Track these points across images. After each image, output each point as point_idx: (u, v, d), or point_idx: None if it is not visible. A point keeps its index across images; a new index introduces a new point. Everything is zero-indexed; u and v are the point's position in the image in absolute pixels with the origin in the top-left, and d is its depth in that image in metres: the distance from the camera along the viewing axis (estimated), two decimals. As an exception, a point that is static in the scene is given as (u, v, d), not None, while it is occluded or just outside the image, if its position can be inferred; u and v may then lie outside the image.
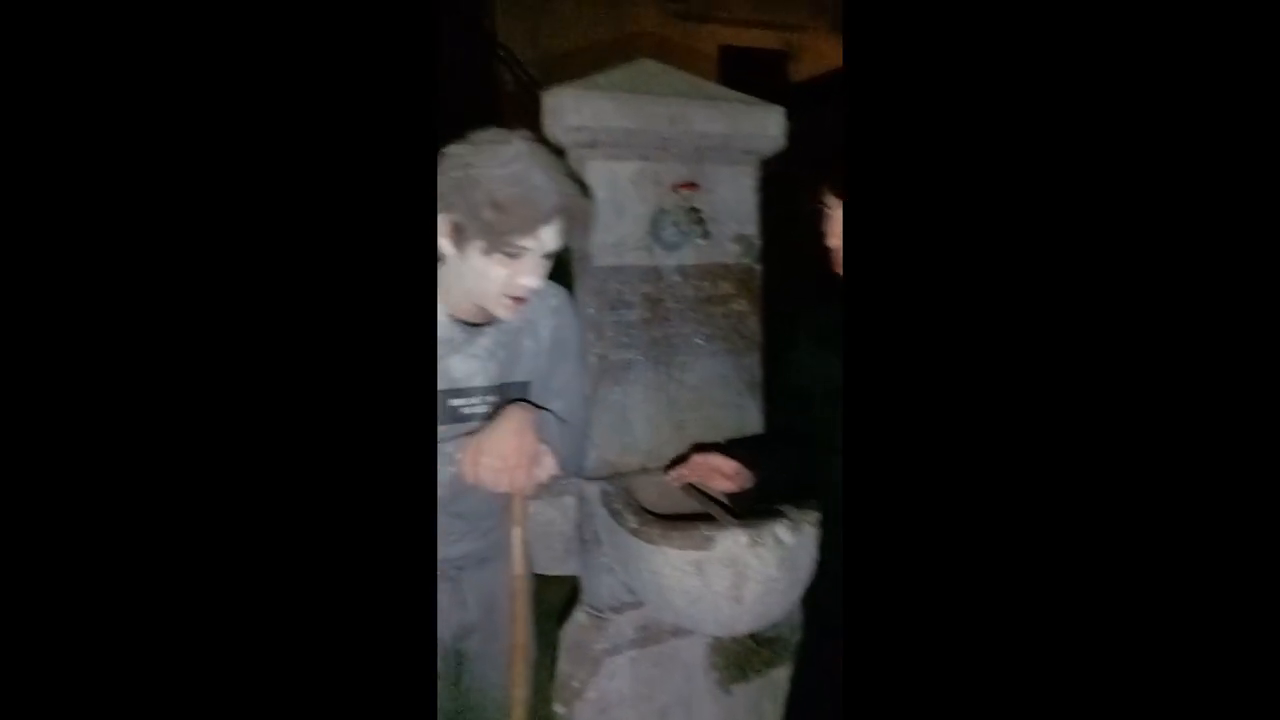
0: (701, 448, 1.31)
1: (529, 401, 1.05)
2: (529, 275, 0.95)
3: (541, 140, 0.98)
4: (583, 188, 0.98)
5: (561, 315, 1.11)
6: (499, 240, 0.91)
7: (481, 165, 0.89)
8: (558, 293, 1.10)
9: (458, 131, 0.95)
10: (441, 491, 0.96)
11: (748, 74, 4.90)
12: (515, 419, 0.95)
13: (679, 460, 1.30)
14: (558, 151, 1.04)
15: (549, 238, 0.94)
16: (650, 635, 1.44)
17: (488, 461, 0.92)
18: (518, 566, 1.02)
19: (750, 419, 1.56)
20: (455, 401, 1.01)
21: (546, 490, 1.41)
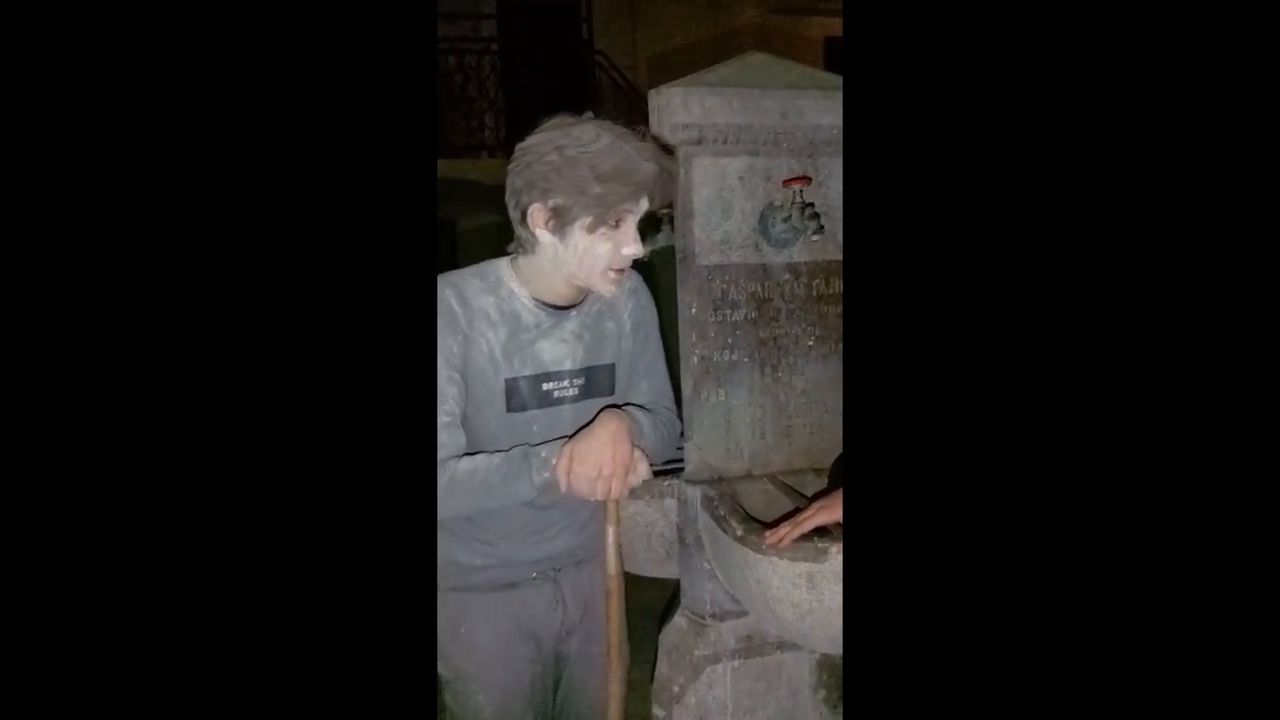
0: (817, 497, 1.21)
1: (617, 406, 1.04)
2: (632, 244, 0.95)
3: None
4: (663, 147, 0.97)
5: (639, 296, 1.10)
6: (607, 212, 0.92)
7: (572, 145, 0.90)
8: (633, 275, 1.09)
9: None
10: (534, 491, 0.96)
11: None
12: (610, 427, 0.94)
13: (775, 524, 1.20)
14: (661, 144, 1.03)
15: (644, 203, 0.95)
16: (754, 646, 1.40)
17: (582, 470, 0.92)
18: (612, 566, 1.01)
19: (861, 425, 1.47)
20: (547, 385, 1.01)
21: (646, 491, 1.40)
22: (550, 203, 0.92)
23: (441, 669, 1.07)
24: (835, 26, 6.64)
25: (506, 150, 6.09)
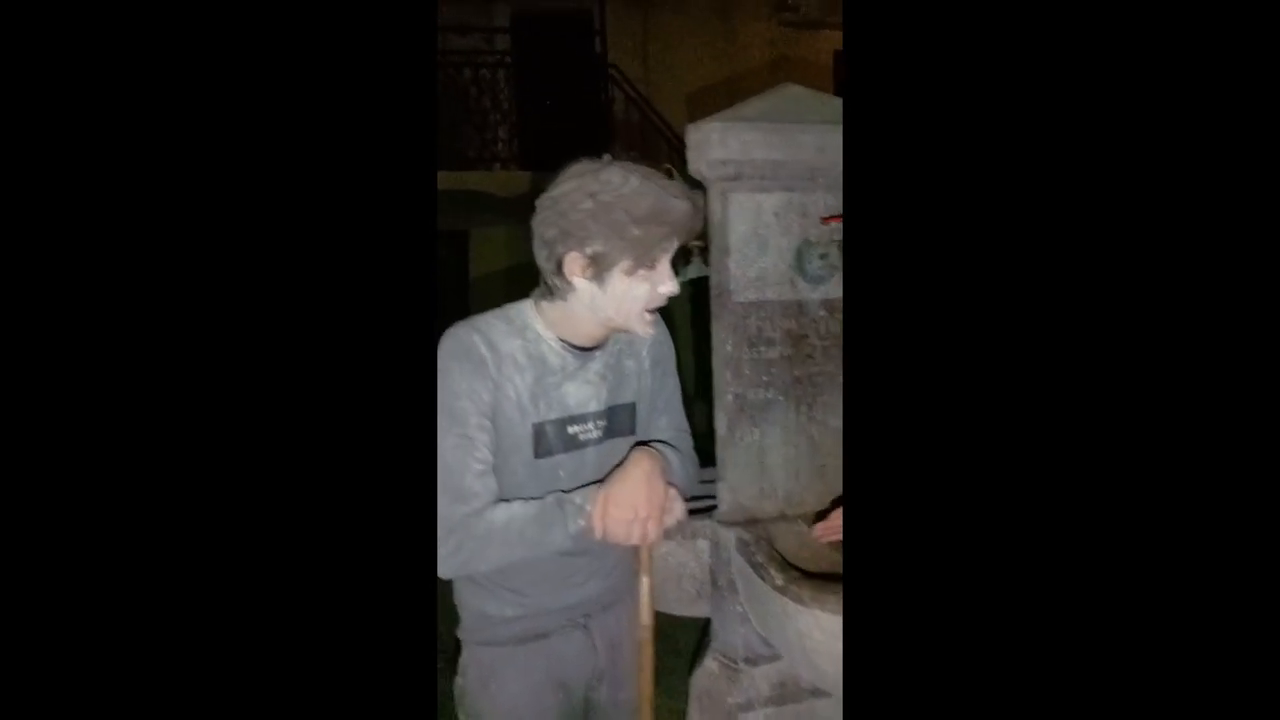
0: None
1: (644, 442, 1.02)
2: (668, 282, 0.95)
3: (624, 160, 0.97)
4: (691, 182, 0.97)
5: (658, 331, 1.08)
6: (646, 254, 0.91)
7: (605, 191, 0.89)
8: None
9: (571, 152, 0.96)
10: (570, 540, 0.93)
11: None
12: (642, 467, 0.92)
13: (822, 515, 1.22)
14: (696, 184, 1.03)
15: (677, 240, 0.94)
16: (788, 693, 1.37)
17: (618, 515, 0.90)
18: (645, 617, 0.99)
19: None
20: (573, 429, 0.99)
21: (677, 531, 1.37)
22: (588, 250, 0.91)
23: None
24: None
25: (519, 163, 6.06)
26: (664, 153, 5.19)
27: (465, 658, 1.05)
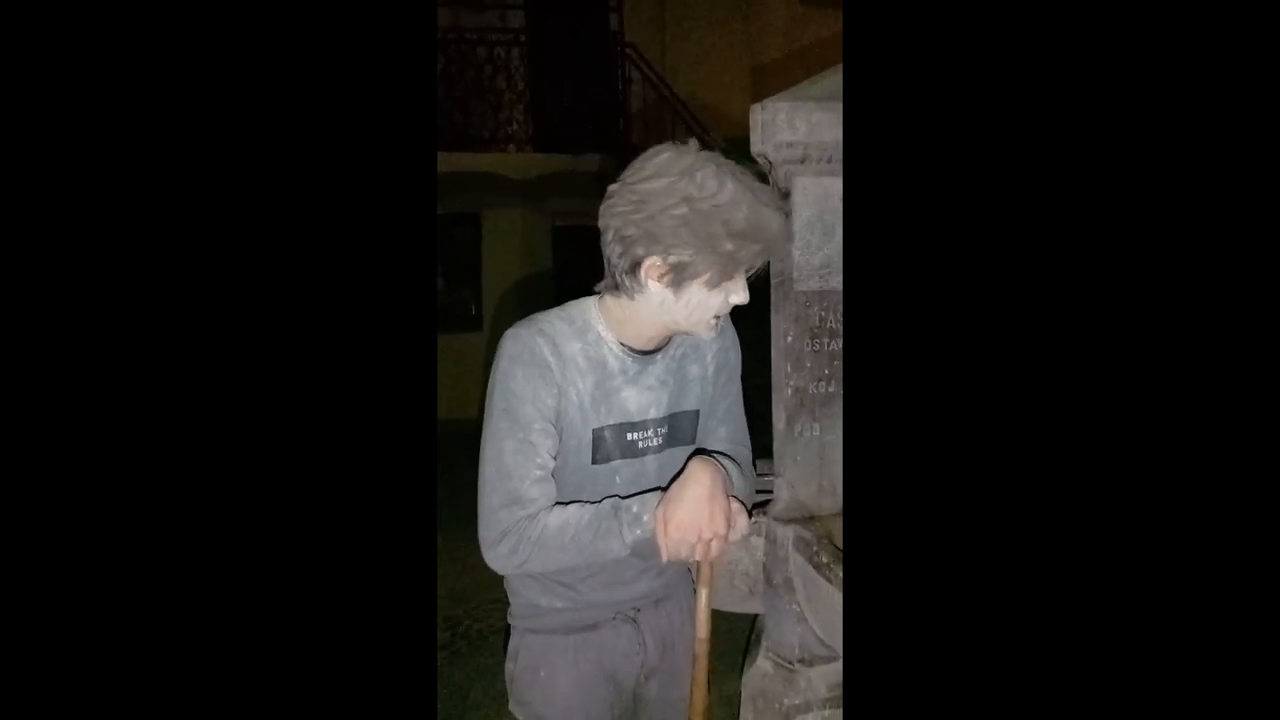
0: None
1: (702, 451, 0.97)
2: (741, 292, 0.89)
3: (708, 147, 0.90)
4: (780, 192, 0.92)
5: (725, 337, 1.03)
6: (732, 270, 0.85)
7: (702, 199, 0.82)
8: None
9: (585, 128, 0.91)
10: (626, 550, 0.89)
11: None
12: (704, 485, 0.87)
13: None
14: (760, 173, 0.97)
15: (765, 258, 0.88)
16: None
17: (679, 537, 0.86)
18: (702, 630, 0.95)
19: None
20: (632, 435, 0.95)
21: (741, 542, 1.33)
22: (672, 259, 0.84)
23: (521, 714, 1.03)
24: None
25: (534, 144, 5.96)
26: (682, 135, 5.09)
27: (515, 643, 1.02)
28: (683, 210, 0.82)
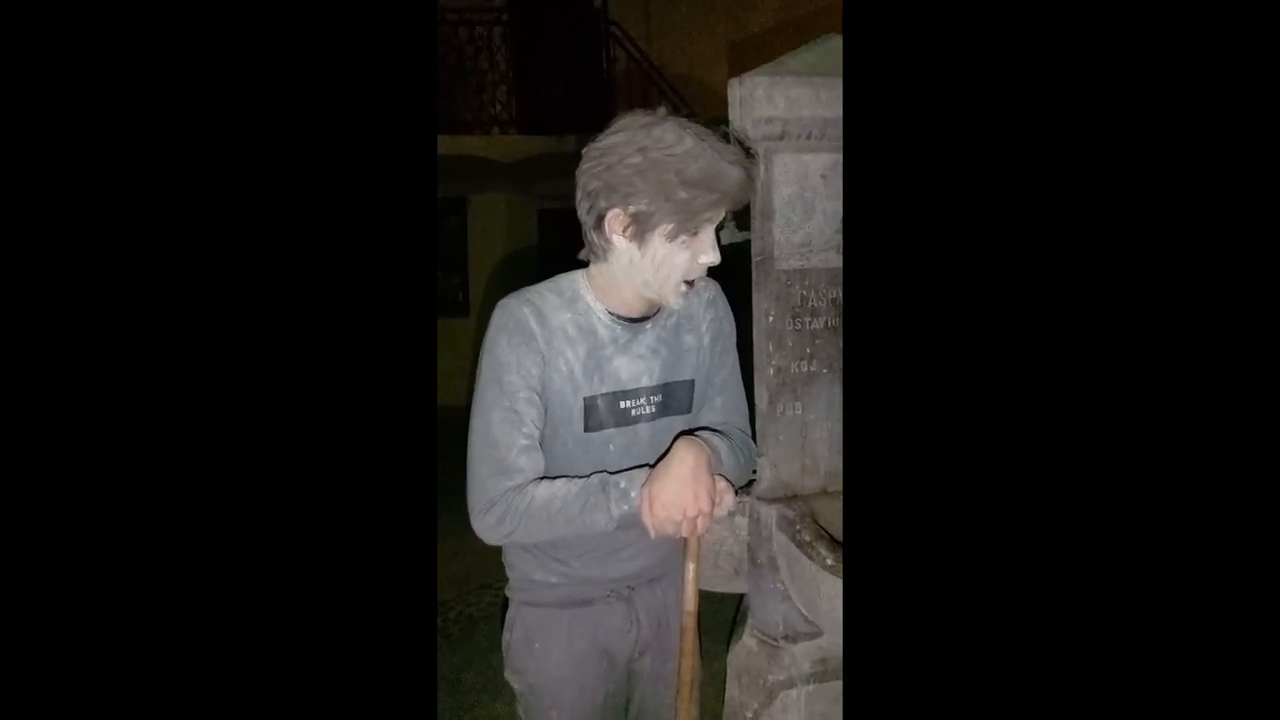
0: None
1: (690, 431, 0.98)
2: (709, 252, 0.90)
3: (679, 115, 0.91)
4: (745, 150, 0.92)
5: (718, 307, 1.04)
6: (690, 220, 0.86)
7: (655, 147, 0.83)
8: (710, 284, 1.03)
9: (571, 109, 0.92)
10: (613, 524, 0.90)
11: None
12: (687, 464, 0.88)
13: None
14: (743, 146, 0.98)
15: (725, 209, 0.89)
16: (829, 670, 1.34)
17: (664, 515, 0.87)
18: (689, 603, 0.97)
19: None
20: (625, 403, 0.96)
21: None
22: (631, 208, 0.86)
23: (516, 682, 1.05)
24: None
25: (518, 126, 5.87)
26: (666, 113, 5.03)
27: (512, 614, 1.05)
28: (637, 159, 0.84)
